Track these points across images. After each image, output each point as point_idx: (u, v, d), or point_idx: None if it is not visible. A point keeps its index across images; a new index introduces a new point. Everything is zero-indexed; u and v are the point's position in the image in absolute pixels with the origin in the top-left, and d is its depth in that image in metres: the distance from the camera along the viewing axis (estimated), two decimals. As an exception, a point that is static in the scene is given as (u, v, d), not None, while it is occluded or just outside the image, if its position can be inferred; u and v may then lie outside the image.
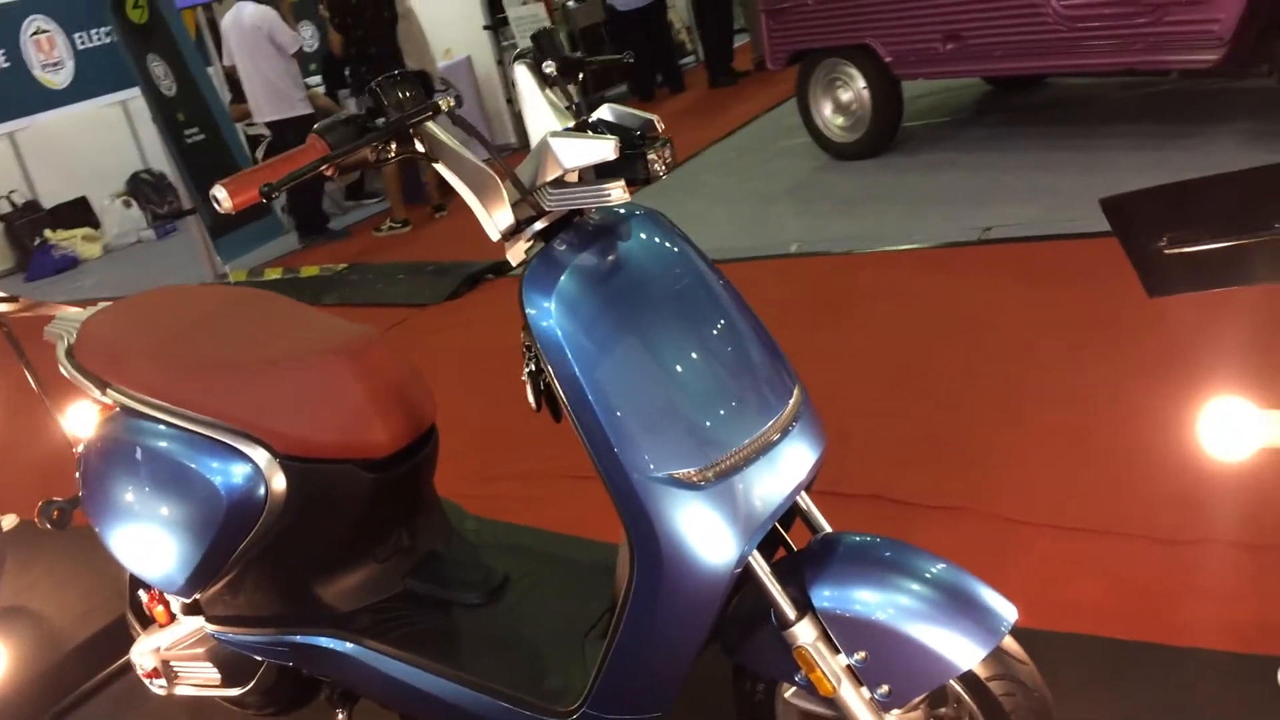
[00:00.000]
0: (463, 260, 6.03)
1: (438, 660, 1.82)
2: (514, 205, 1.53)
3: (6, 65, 9.77)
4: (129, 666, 2.45)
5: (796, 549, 1.66)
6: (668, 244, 1.63)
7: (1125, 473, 2.63)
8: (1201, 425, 1.80)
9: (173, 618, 2.19)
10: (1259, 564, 2.23)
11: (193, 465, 1.86)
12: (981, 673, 1.50)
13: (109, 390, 2.01)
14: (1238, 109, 5.22)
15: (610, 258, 1.56)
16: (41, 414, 2.51)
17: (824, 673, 1.48)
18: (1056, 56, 5.08)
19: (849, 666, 1.49)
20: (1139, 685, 2.01)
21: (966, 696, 1.54)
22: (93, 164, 10.47)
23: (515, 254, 1.56)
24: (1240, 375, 2.74)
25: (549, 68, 1.72)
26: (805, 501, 1.67)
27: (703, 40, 10.82)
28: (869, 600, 1.49)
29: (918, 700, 1.56)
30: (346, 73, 8.05)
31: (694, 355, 1.53)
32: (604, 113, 1.57)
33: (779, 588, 1.51)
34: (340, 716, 2.08)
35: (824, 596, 1.50)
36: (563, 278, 1.51)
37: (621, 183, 1.47)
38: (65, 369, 2.10)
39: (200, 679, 2.17)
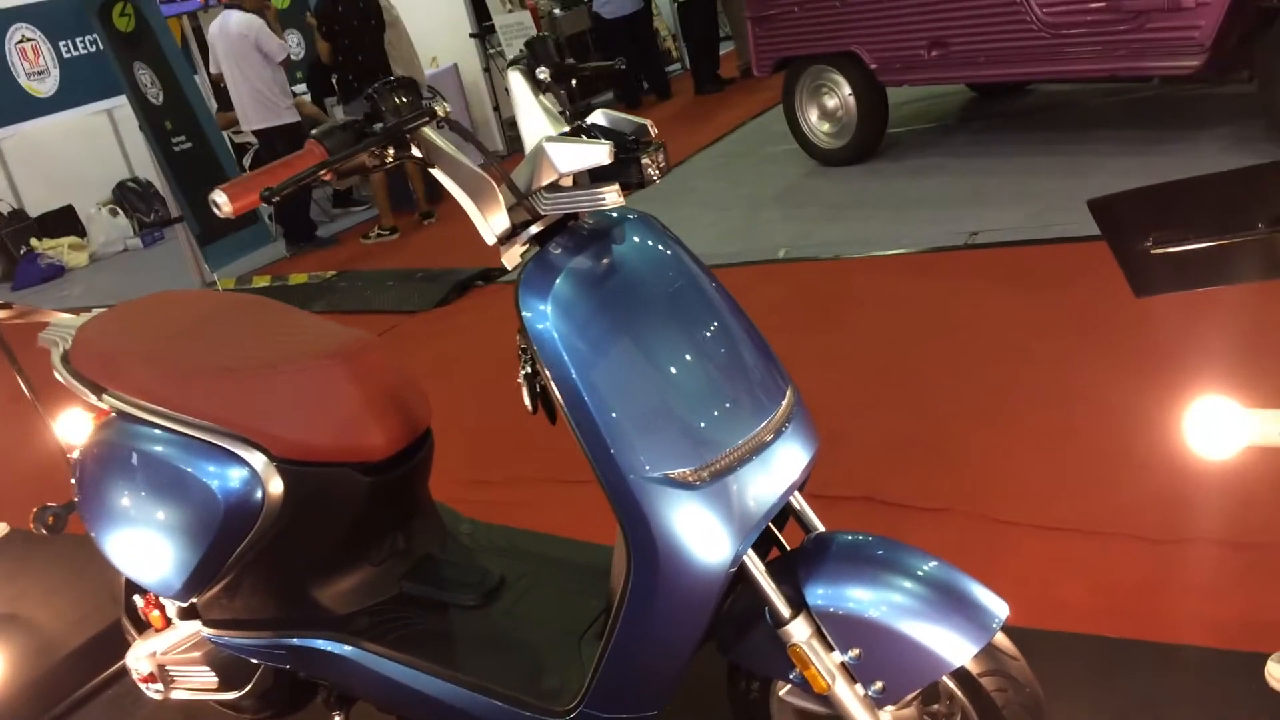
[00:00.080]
0: (452, 267, 6.04)
1: (435, 661, 1.83)
2: (510, 209, 1.55)
3: (-9, 74, 9.72)
4: (124, 672, 2.45)
5: (790, 549, 1.67)
6: (661, 247, 1.65)
7: (1112, 473, 2.66)
8: (1187, 424, 1.82)
9: (168, 622, 2.20)
10: (1244, 562, 2.26)
11: (189, 469, 1.86)
12: (974, 669, 1.52)
13: (105, 395, 2.01)
14: (1218, 114, 5.27)
15: (605, 261, 1.58)
16: (32, 421, 2.52)
17: (818, 670, 1.50)
18: (1040, 63, 5.13)
19: (843, 664, 1.51)
20: (1127, 682, 2.03)
21: (959, 693, 1.56)
22: (79, 172, 10.43)
23: (511, 258, 1.58)
24: (1225, 374, 2.78)
25: (543, 74, 1.74)
26: (798, 501, 1.69)
27: (688, 47, 10.86)
28: (862, 598, 1.50)
29: (911, 697, 1.58)
30: (334, 80, 8.05)
31: (688, 357, 1.55)
32: (598, 118, 1.59)
33: (773, 586, 1.53)
34: (337, 719, 2.08)
35: (818, 594, 1.51)
36: (558, 281, 1.52)
37: (616, 187, 1.48)
38: (61, 375, 2.10)
39: (197, 683, 2.17)
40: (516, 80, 1.75)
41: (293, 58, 8.71)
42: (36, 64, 9.77)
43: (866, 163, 6.15)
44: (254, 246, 7.84)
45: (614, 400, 1.49)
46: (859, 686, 1.51)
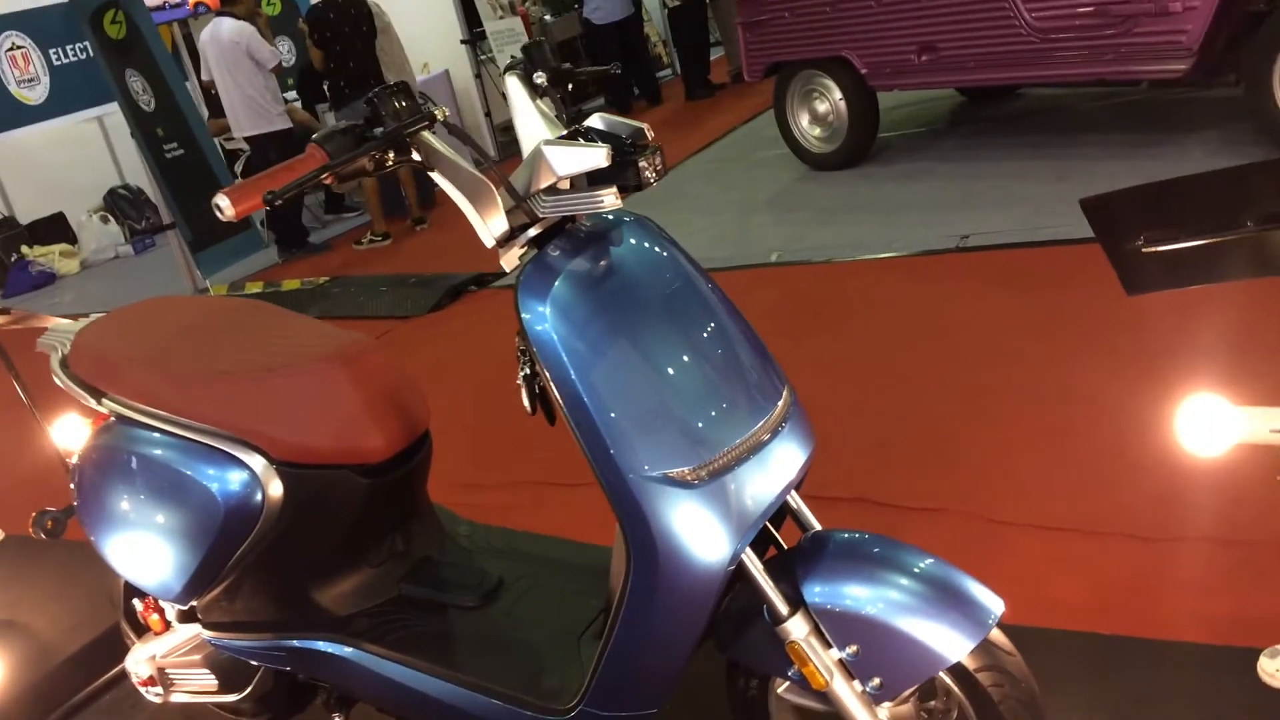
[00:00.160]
0: (445, 272, 6.05)
1: (434, 662, 1.83)
2: (508, 212, 1.56)
3: (-20, 82, 9.71)
4: (123, 676, 2.46)
5: (787, 547, 1.69)
6: (658, 249, 1.66)
7: (1104, 471, 2.68)
8: (1178, 422, 1.84)
9: (168, 625, 2.20)
10: (1235, 559, 2.28)
11: (189, 472, 1.87)
12: (970, 664, 1.54)
13: (104, 400, 2.02)
14: (1206, 118, 5.31)
15: (603, 263, 1.60)
16: (29, 427, 2.52)
17: (816, 667, 1.51)
18: (1029, 67, 5.16)
19: (841, 660, 1.52)
20: (1122, 677, 2.05)
21: (956, 689, 1.57)
22: (69, 179, 10.42)
23: (509, 260, 1.60)
24: (1216, 371, 2.80)
25: (540, 78, 1.76)
26: (795, 501, 1.70)
27: (679, 53, 10.89)
28: (859, 595, 1.52)
29: (908, 693, 1.59)
30: (325, 87, 8.05)
31: (685, 357, 1.57)
32: (595, 121, 1.61)
33: (771, 584, 1.54)
34: (337, 720, 2.09)
35: (815, 592, 1.53)
36: (557, 283, 1.54)
37: (614, 189, 1.50)
38: (60, 379, 2.11)
39: (196, 686, 2.18)
40: (514, 85, 1.76)
41: (284, 64, 8.72)
42: (27, 72, 9.75)
43: (857, 167, 6.18)
44: (246, 253, 7.84)
45: (613, 400, 1.50)
46: (857, 683, 1.52)
